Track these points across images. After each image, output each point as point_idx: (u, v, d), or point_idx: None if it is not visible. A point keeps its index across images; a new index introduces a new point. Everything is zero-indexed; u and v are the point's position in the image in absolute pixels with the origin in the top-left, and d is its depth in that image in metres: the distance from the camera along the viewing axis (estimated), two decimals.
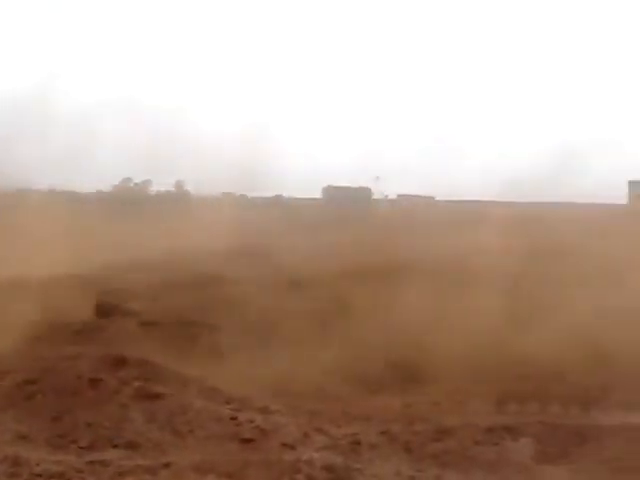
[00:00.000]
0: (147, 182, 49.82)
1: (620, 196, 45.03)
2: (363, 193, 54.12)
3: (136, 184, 49.91)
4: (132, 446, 10.48)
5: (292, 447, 10.45)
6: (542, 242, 23.45)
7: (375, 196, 55.15)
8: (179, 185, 50.34)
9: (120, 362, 12.37)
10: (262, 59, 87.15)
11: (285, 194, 45.43)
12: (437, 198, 54.49)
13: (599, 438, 11.14)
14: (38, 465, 9.74)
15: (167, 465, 9.60)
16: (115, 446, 10.48)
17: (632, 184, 46.15)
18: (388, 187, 54.14)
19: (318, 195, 52.06)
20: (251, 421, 11.16)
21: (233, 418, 11.23)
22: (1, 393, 11.84)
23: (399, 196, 55.45)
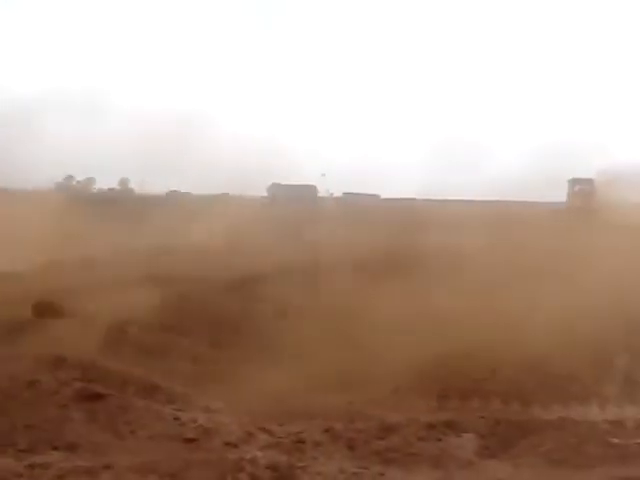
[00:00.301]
0: (90, 180, 49.27)
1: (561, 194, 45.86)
2: (309, 191, 54.11)
3: (78, 182, 49.34)
4: (72, 448, 10.30)
5: (235, 446, 10.38)
6: (483, 239, 23.66)
7: (320, 194, 55.22)
8: (123, 183, 49.86)
9: (59, 362, 12.17)
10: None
11: (231, 192, 45.25)
12: (382, 196, 54.85)
13: (539, 432, 11.30)
14: None
15: (108, 466, 9.44)
16: (55, 448, 10.29)
17: (571, 182, 46.91)
18: (333, 185, 54.32)
19: (264, 193, 51.93)
20: (194, 421, 11.07)
21: (176, 418, 11.12)
22: None
23: (344, 194, 55.58)
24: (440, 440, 11.06)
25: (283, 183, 51.99)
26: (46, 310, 16.01)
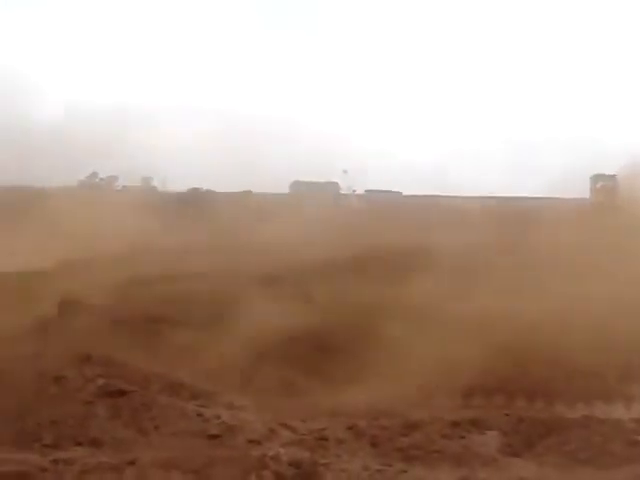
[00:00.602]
0: (113, 177, 49.40)
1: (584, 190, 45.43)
2: (331, 188, 53.97)
3: (102, 179, 49.45)
4: (96, 444, 10.39)
5: (258, 443, 10.40)
6: (511, 235, 23.51)
7: (343, 191, 55.04)
8: (146, 181, 49.97)
9: (84, 359, 12.23)
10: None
11: (253, 190, 45.28)
12: (404, 193, 54.62)
13: (563, 430, 11.23)
14: (1, 465, 9.61)
15: (132, 462, 9.52)
16: (79, 444, 10.38)
17: (593, 178, 46.52)
18: (356, 182, 54.16)
19: (285, 190, 51.91)
20: (217, 417, 11.09)
21: (199, 414, 11.15)
22: None
23: (367, 191, 55.39)
24: (464, 438, 11.02)
25: (305, 180, 51.96)
26: (71, 307, 16.09)
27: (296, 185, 51.84)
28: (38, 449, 10.27)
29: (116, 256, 21.97)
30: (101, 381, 11.59)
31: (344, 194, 54.48)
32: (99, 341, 13.71)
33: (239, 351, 14.37)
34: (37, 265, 20.51)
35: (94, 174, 49.03)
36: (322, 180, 53.45)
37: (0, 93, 36.19)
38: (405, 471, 9.89)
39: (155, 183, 49.85)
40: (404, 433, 10.94)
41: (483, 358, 13.73)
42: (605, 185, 43.62)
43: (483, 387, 13.10)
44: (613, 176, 41.48)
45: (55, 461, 9.76)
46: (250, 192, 44.84)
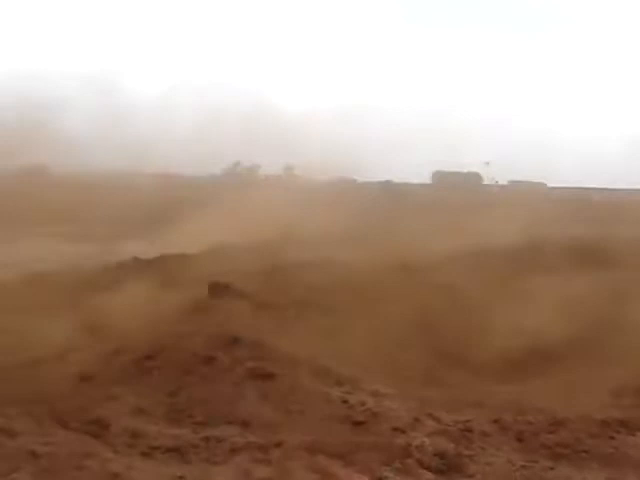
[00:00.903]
0: (255, 166, 50.29)
1: None
2: (473, 178, 53.29)
3: (244, 168, 50.43)
4: (245, 424, 10.66)
5: (403, 431, 10.42)
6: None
7: (485, 182, 54.20)
8: (288, 169, 50.69)
9: (234, 341, 12.58)
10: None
11: (394, 179, 45.24)
12: (549, 185, 53.24)
13: None
14: (156, 439, 10.06)
15: (279, 444, 9.73)
16: (229, 423, 10.69)
17: None
18: (498, 173, 53.17)
19: (427, 180, 51.54)
20: (362, 404, 11.19)
21: (344, 401, 11.28)
22: (121, 368, 12.28)
23: (510, 182, 54.32)
24: (613, 438, 10.67)
25: (447, 170, 51.53)
26: (221, 290, 16.55)
27: (438, 175, 51.49)
28: (189, 425, 10.65)
29: (264, 242, 22.45)
30: (250, 364, 11.90)
31: (486, 184, 53.65)
32: (247, 324, 14.08)
33: (384, 339, 14.45)
34: (190, 249, 21.29)
35: (237, 163, 50.08)
36: (464, 170, 52.86)
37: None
38: (552, 468, 9.72)
39: (297, 172, 50.44)
40: (551, 430, 10.68)
41: (635, 356, 13.31)
42: None
43: (634, 386, 12.66)
44: None
45: (206, 438, 10.11)
46: (390, 181, 44.86)
